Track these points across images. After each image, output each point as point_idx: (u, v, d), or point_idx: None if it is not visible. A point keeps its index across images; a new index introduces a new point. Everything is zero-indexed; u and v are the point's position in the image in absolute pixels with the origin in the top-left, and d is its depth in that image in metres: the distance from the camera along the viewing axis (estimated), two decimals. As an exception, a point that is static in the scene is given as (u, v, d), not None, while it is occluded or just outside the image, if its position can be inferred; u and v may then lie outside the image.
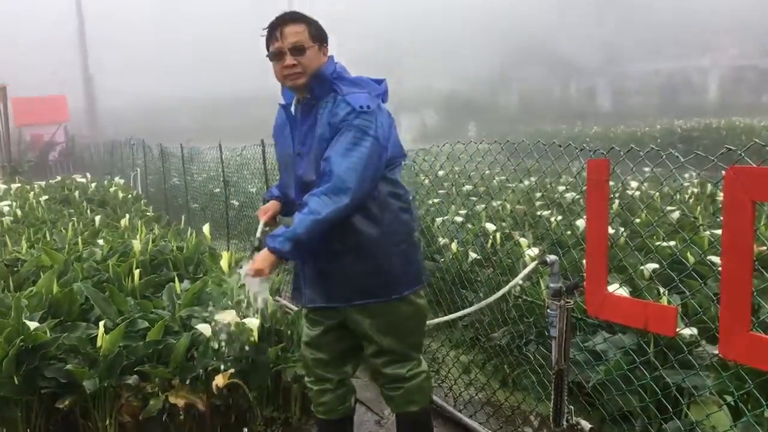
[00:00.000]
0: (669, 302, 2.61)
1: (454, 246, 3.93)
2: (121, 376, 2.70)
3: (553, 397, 2.22)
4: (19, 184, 9.52)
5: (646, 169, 2.57)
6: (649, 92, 33.24)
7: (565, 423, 2.21)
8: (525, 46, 36.35)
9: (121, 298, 3.20)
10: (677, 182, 5.28)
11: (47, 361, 2.70)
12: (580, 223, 3.47)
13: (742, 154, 1.66)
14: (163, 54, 41.00)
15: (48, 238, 5.05)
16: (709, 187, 5.73)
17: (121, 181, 10.33)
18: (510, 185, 5.64)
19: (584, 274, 1.96)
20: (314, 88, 2.15)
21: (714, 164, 1.86)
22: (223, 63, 38.46)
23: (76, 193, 8.43)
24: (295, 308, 3.55)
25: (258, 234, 2.35)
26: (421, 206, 4.65)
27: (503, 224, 4.48)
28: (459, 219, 4.55)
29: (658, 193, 5.05)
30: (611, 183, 1.85)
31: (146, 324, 2.96)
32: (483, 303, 2.62)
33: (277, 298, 4.39)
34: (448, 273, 3.65)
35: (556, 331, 2.13)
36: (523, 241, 3.58)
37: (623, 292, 2.34)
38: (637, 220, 4.07)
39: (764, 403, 2.18)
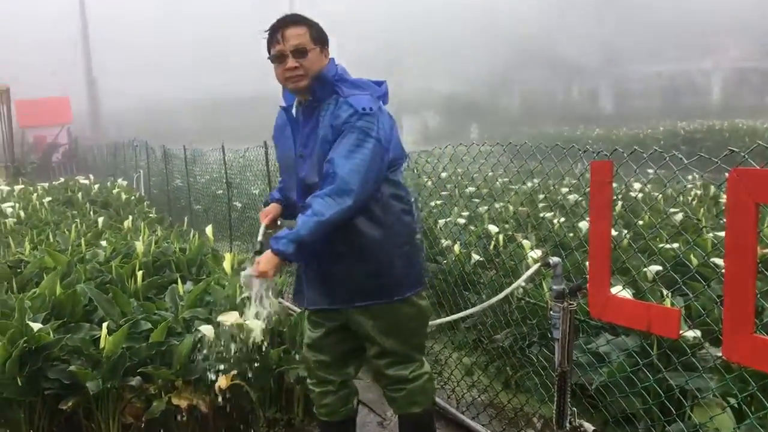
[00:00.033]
0: (672, 304, 2.61)
1: (456, 248, 3.93)
2: (124, 378, 2.70)
3: (556, 399, 2.22)
4: (23, 186, 9.54)
5: (650, 170, 2.57)
6: (652, 94, 33.22)
7: (568, 425, 2.21)
8: (527, 48, 36.33)
9: (124, 299, 3.20)
10: (680, 184, 5.28)
11: (50, 363, 2.70)
12: (583, 225, 3.46)
13: (746, 156, 1.66)
14: (166, 56, 41.12)
15: (51, 240, 5.06)
16: (712, 188, 5.73)
17: (124, 183, 10.34)
18: (513, 187, 5.64)
19: (587, 276, 1.96)
20: (316, 90, 2.16)
21: (717, 166, 1.86)
22: (225, 64, 38.56)
23: (79, 195, 8.43)
24: (298, 310, 3.55)
25: (260, 237, 2.35)
26: (424, 208, 4.65)
27: (506, 226, 4.48)
28: (462, 221, 4.55)
29: (661, 195, 5.05)
30: (614, 185, 1.85)
31: (149, 325, 2.97)
32: (486, 303, 2.62)
33: (280, 299, 4.39)
34: (451, 275, 3.65)
35: (559, 333, 2.13)
36: (525, 243, 3.58)
37: (626, 294, 2.33)
38: (641, 222, 4.07)
39: (768, 405, 2.18)
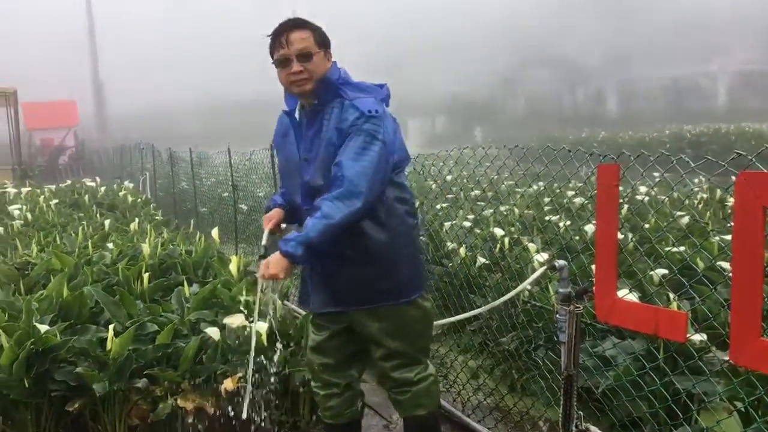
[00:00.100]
0: (679, 308, 2.60)
1: (462, 251, 3.93)
2: (131, 380, 2.71)
3: (562, 402, 2.21)
4: (30, 188, 9.58)
5: (656, 174, 2.56)
6: (657, 97, 33.17)
7: (574, 429, 2.20)
8: (531, 51, 36.34)
9: (131, 301, 3.21)
10: (687, 187, 5.27)
11: (57, 364, 2.71)
12: (589, 228, 3.46)
13: (753, 159, 1.65)
14: (172, 59, 41.28)
15: (58, 242, 5.08)
16: (719, 192, 5.71)
17: (131, 185, 10.39)
18: (518, 190, 5.64)
19: (593, 279, 1.96)
20: (321, 93, 2.16)
21: (724, 169, 1.86)
22: (231, 68, 38.66)
23: (86, 197, 8.47)
24: (303, 312, 3.55)
25: (263, 242, 2.35)
26: (430, 211, 4.65)
27: (512, 229, 4.47)
28: (467, 224, 4.55)
29: (667, 198, 5.03)
30: (621, 188, 1.85)
31: (155, 327, 2.97)
32: (491, 305, 2.62)
33: (286, 302, 4.39)
34: (457, 278, 3.65)
35: (565, 337, 2.12)
36: (531, 246, 3.58)
37: (633, 297, 2.33)
38: (647, 226, 4.06)
39: (775, 409, 2.17)
